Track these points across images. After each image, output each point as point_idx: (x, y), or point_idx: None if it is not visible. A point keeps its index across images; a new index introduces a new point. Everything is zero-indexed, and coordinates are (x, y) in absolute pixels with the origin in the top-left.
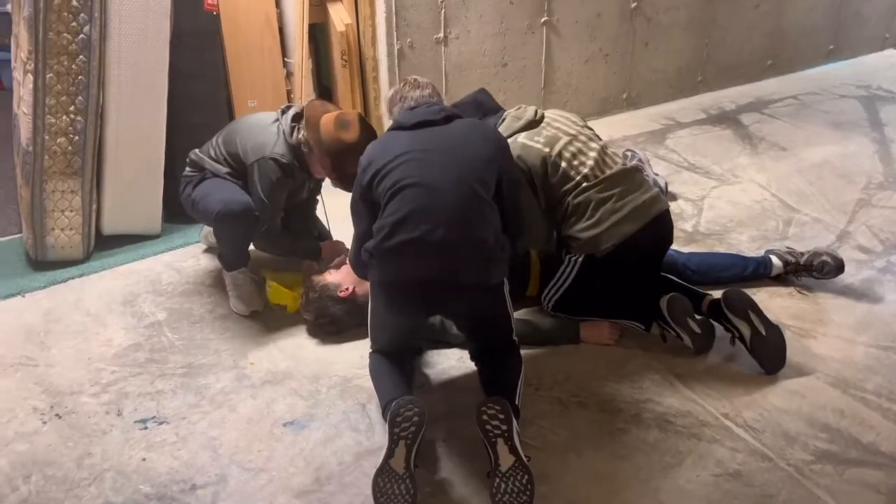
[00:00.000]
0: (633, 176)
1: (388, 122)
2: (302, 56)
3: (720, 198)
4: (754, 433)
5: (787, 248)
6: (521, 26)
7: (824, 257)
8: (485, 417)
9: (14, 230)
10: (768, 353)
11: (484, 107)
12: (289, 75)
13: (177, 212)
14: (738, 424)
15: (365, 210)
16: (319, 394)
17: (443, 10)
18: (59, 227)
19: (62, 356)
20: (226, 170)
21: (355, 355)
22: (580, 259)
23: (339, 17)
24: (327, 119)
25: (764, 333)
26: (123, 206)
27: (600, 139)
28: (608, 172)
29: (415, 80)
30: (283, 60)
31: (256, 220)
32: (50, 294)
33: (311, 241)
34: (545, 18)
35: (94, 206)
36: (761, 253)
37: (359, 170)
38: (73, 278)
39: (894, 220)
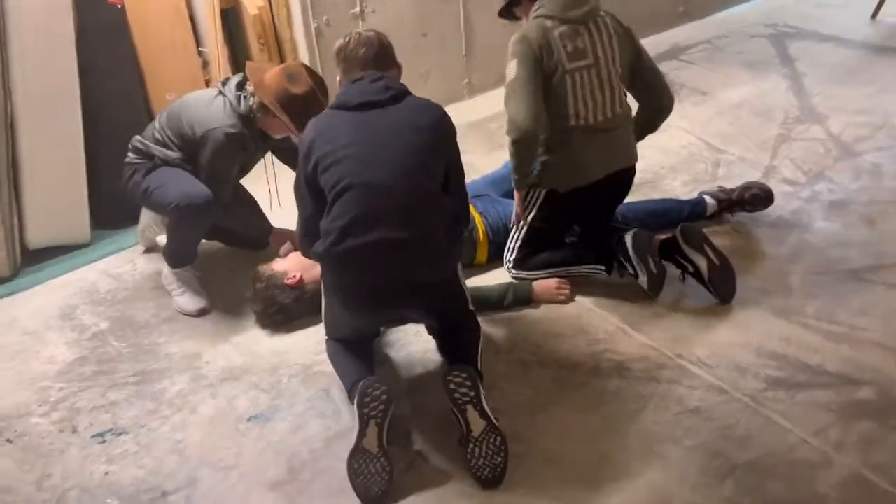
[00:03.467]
0: (621, 124)
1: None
2: (217, 44)
3: (650, 147)
4: (708, 369)
5: (719, 186)
6: None
7: (754, 189)
8: (451, 386)
9: None
10: (724, 283)
11: None
12: (205, 65)
13: (106, 217)
14: (692, 363)
15: (309, 194)
16: (280, 384)
17: None
18: None
19: (3, 379)
20: (176, 154)
21: (311, 342)
22: (542, 193)
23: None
24: (272, 76)
25: (718, 263)
26: (47, 218)
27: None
28: (600, 119)
29: (358, 35)
30: (198, 50)
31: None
32: None
33: (265, 219)
34: None
35: (16, 221)
36: (695, 195)
37: (300, 149)
38: (2, 297)
39: (814, 150)
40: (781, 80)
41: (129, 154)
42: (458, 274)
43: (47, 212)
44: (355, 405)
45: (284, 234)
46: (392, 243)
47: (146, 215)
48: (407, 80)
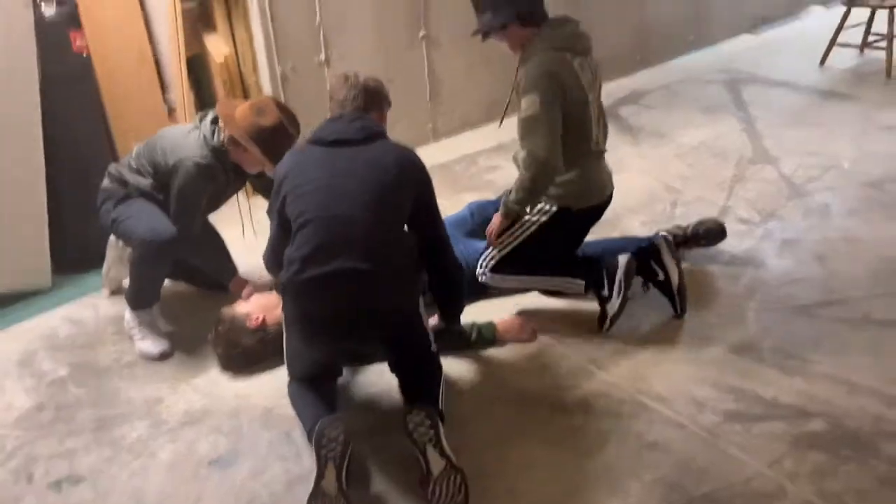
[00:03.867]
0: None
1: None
2: (183, 90)
3: None
4: (667, 404)
5: (674, 225)
6: (401, 42)
7: (707, 224)
8: (411, 426)
9: None
10: (684, 298)
11: None
12: (171, 111)
13: (68, 261)
14: (651, 398)
15: (279, 224)
16: (241, 428)
17: (321, 32)
18: None
19: None
20: (148, 182)
21: (273, 385)
22: (554, 209)
23: (217, 47)
24: (242, 110)
25: (684, 279)
26: (7, 263)
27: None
28: (602, 145)
29: (346, 77)
30: (164, 96)
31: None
32: None
33: (229, 261)
34: (423, 33)
35: None
36: (652, 233)
37: (275, 180)
38: None
39: (767, 191)
40: (736, 124)
41: (104, 181)
42: (420, 311)
43: (7, 257)
44: (313, 446)
45: (243, 282)
46: (352, 273)
47: (111, 255)
48: None
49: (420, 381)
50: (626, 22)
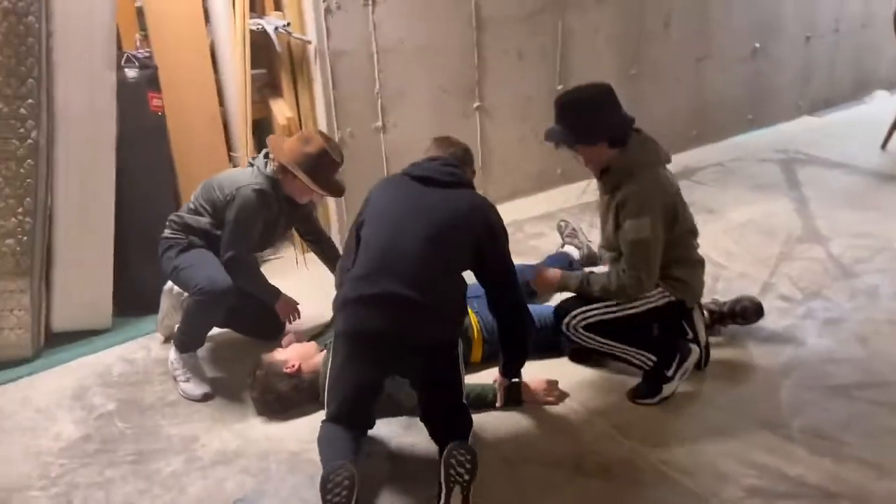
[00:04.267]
0: None
1: None
2: (247, 149)
3: None
4: (689, 476)
5: (712, 299)
6: (455, 112)
7: (744, 302)
8: (453, 461)
9: None
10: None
11: None
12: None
13: (128, 305)
14: (674, 468)
15: (354, 236)
16: (269, 470)
17: (379, 101)
18: (9, 327)
19: (10, 452)
20: (206, 220)
21: (304, 431)
22: (671, 299)
23: (281, 111)
24: (290, 142)
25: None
26: (73, 304)
27: None
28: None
29: (447, 139)
30: (229, 155)
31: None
32: None
33: (272, 286)
34: (478, 104)
35: (44, 304)
36: None
37: (364, 200)
38: (21, 377)
39: (813, 270)
40: (788, 203)
41: (166, 230)
42: (458, 354)
43: (74, 298)
44: (319, 491)
45: (290, 305)
46: (398, 297)
47: (166, 303)
48: None
49: (451, 427)
50: (684, 98)
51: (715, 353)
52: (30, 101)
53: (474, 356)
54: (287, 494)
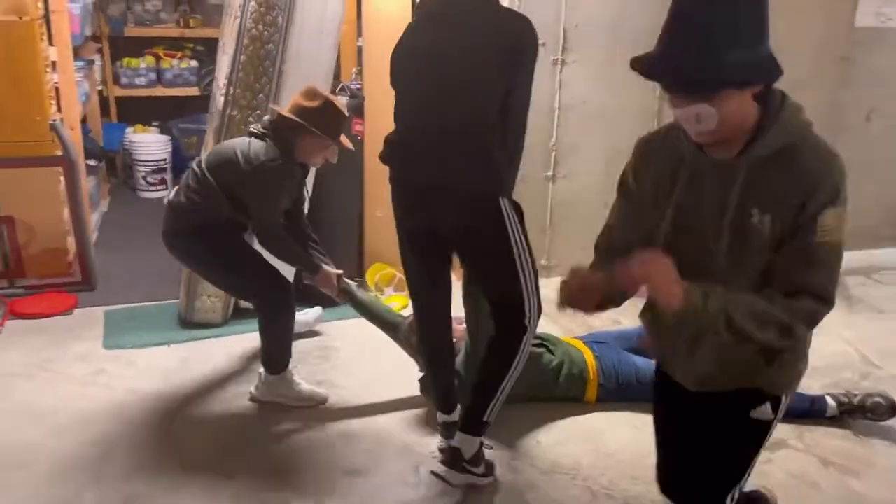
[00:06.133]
0: None
1: None
2: None
3: None
4: None
5: (846, 391)
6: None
7: (877, 398)
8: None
9: (177, 295)
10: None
11: None
12: None
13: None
14: None
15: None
16: (383, 451)
17: (553, 153)
18: (207, 294)
19: (190, 393)
20: (224, 197)
21: (415, 423)
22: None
23: None
24: (293, 100)
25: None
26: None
27: None
28: None
29: None
30: None
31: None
32: (189, 347)
33: (312, 256)
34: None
35: None
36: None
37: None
38: (209, 338)
39: None
40: None
41: (183, 199)
42: (506, 219)
43: None
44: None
45: (330, 278)
46: (433, 129)
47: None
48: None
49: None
50: (882, 195)
51: (836, 444)
52: (258, 112)
53: (589, 395)
54: (393, 476)
